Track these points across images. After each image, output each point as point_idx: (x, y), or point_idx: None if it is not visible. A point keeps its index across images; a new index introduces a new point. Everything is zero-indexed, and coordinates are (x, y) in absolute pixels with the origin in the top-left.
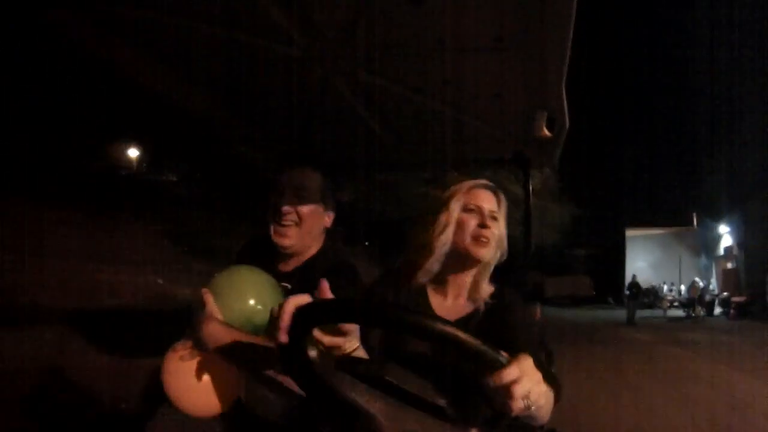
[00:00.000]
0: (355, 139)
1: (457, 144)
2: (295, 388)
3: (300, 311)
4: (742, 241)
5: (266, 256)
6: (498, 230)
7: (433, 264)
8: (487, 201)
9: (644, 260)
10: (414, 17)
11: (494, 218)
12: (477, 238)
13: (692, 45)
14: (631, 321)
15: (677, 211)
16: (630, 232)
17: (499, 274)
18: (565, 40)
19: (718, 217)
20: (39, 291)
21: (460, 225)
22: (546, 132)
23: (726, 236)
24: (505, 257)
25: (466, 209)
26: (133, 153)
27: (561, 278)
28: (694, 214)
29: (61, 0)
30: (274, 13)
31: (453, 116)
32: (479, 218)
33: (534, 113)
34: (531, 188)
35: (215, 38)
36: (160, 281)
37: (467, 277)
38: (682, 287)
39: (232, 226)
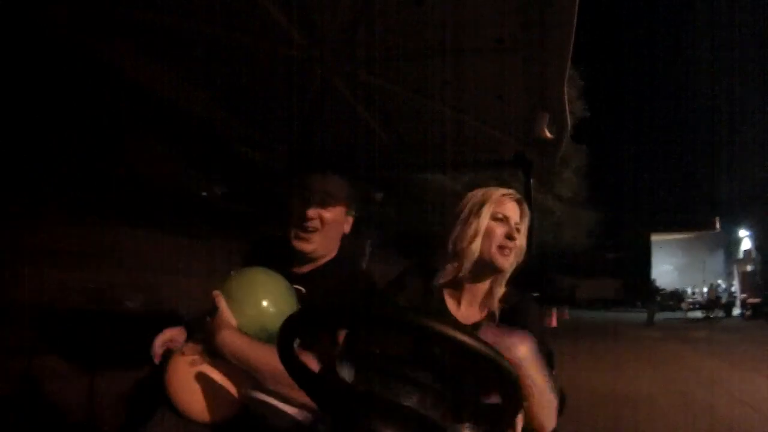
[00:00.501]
0: (355, 139)
1: (457, 145)
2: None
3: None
4: (759, 244)
5: (280, 258)
6: (520, 242)
7: (461, 270)
8: (514, 212)
9: (670, 264)
10: (414, 18)
11: (518, 230)
12: (502, 248)
13: (714, 50)
14: (649, 322)
15: (701, 216)
16: (656, 237)
17: (533, 279)
18: (566, 41)
19: (738, 221)
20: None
21: (487, 233)
22: (547, 133)
23: (746, 239)
24: (520, 261)
25: (494, 218)
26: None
27: (592, 281)
28: (717, 218)
29: (62, 0)
30: (274, 13)
31: (453, 117)
32: (507, 229)
33: (535, 114)
34: (532, 189)
35: (216, 38)
36: None
37: (484, 285)
38: (705, 289)
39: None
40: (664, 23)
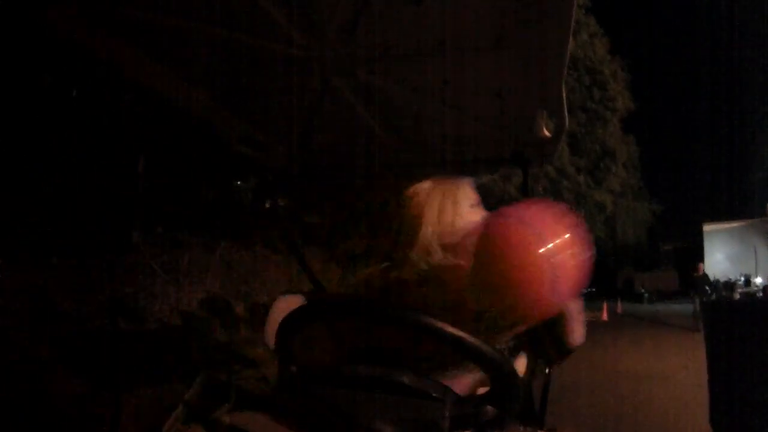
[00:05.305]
0: (355, 139)
1: (456, 144)
2: None
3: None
4: None
5: None
6: None
7: None
8: None
9: (723, 253)
10: (414, 17)
11: None
12: None
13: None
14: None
15: (754, 203)
16: (708, 227)
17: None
18: (564, 40)
19: None
20: None
21: None
22: (545, 132)
23: None
24: None
25: None
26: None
27: (648, 274)
28: None
29: (62, 0)
30: (274, 13)
31: (453, 116)
32: None
33: (534, 113)
34: (530, 188)
35: (215, 38)
36: None
37: None
38: (758, 279)
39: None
40: (714, 11)
